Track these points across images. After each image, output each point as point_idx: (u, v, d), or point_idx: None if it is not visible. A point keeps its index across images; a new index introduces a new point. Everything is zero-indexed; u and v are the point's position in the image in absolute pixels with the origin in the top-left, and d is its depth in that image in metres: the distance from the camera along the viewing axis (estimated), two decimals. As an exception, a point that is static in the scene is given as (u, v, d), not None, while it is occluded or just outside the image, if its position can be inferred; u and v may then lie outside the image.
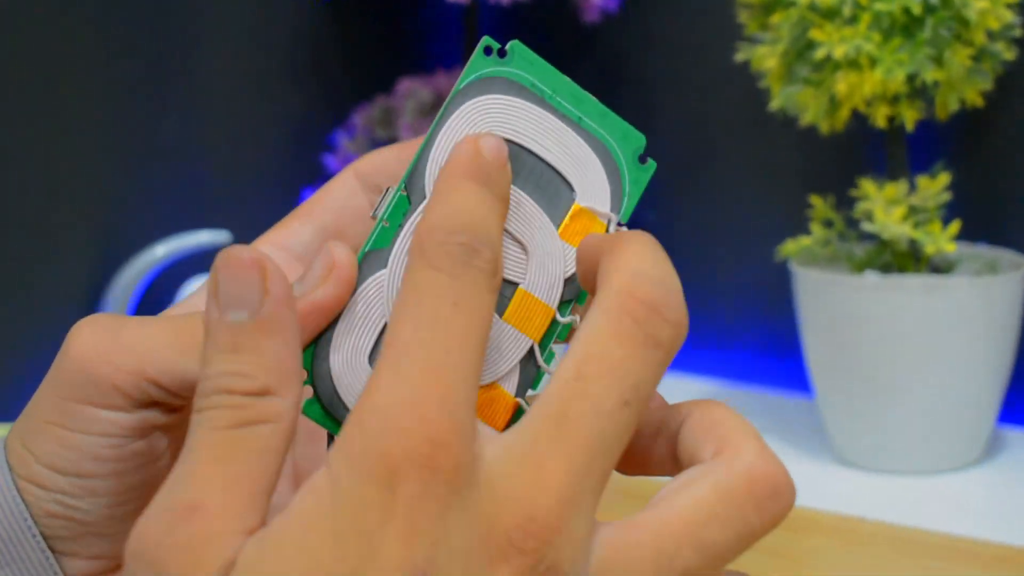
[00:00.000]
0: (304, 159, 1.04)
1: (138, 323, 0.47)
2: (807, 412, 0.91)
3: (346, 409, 0.42)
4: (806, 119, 0.82)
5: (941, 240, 0.78)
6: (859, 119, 0.83)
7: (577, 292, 0.46)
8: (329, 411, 0.43)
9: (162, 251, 0.90)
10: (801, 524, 0.74)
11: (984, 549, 0.70)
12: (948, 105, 0.80)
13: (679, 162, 1.03)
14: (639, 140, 0.49)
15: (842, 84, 0.78)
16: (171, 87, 0.95)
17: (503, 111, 0.48)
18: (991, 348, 0.81)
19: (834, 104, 0.81)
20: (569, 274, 0.46)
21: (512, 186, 0.46)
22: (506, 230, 0.46)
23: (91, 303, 0.90)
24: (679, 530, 0.34)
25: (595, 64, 1.06)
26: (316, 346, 0.43)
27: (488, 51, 0.47)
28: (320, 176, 1.03)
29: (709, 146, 1.02)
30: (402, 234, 0.44)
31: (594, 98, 0.48)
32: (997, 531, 0.72)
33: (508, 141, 0.47)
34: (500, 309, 0.45)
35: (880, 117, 0.80)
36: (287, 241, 0.51)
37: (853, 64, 0.78)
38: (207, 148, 0.98)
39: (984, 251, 0.85)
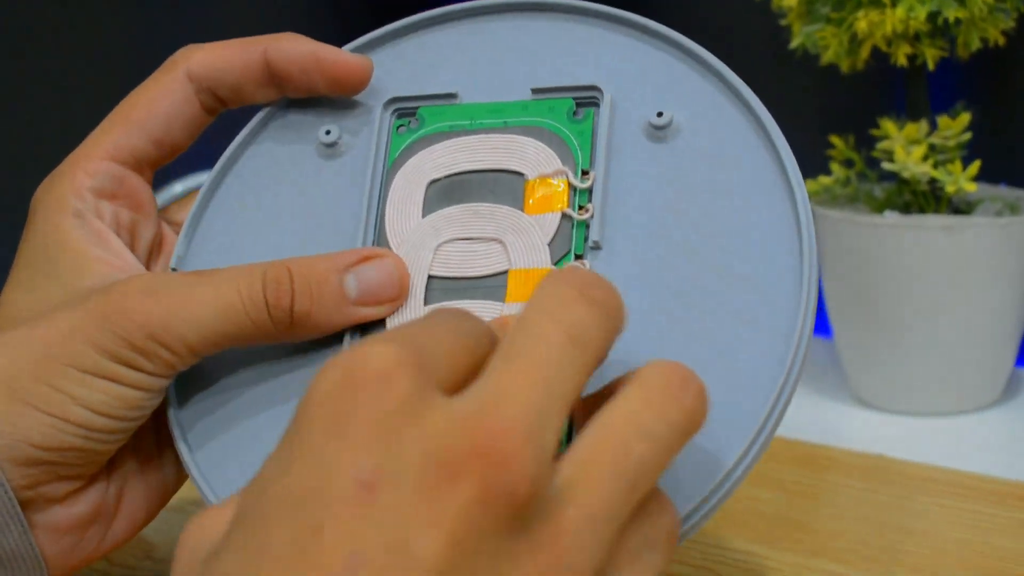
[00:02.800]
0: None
1: (185, 287, 0.50)
2: (825, 352, 0.91)
3: None
4: (827, 58, 0.81)
5: (962, 180, 0.78)
6: (880, 58, 0.82)
7: (568, 247, 0.51)
8: None
9: (180, 188, 0.89)
10: (820, 462, 0.75)
11: (1003, 487, 0.70)
12: (970, 44, 0.80)
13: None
14: (565, 104, 0.54)
15: (863, 22, 0.78)
16: (189, 27, 0.95)
17: (434, 158, 0.54)
18: (1011, 289, 0.80)
19: (855, 43, 0.80)
20: (550, 237, 0.51)
21: (469, 204, 0.53)
22: (482, 237, 0.52)
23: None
24: (622, 426, 0.37)
25: (614, 4, 1.05)
26: None
27: (401, 128, 0.54)
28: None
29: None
30: None
31: (516, 100, 0.54)
32: (1015, 470, 0.72)
33: (450, 176, 0.53)
34: (500, 296, 0.51)
35: (901, 56, 0.79)
36: (116, 152, 0.55)
37: (874, 2, 0.77)
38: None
39: (1005, 192, 0.84)
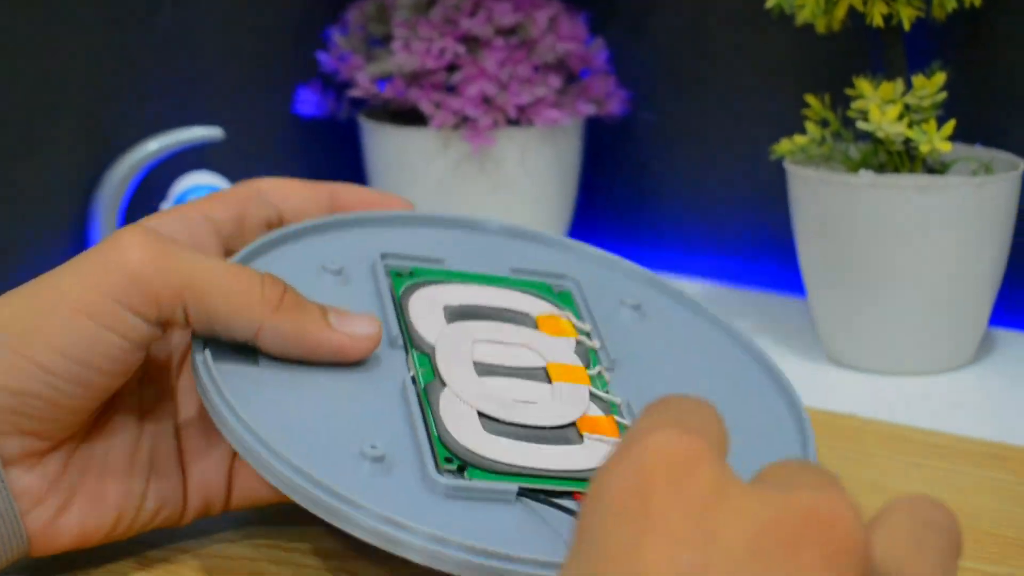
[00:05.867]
0: (298, 56, 1.03)
1: (189, 250, 0.53)
2: (799, 312, 0.92)
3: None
4: (802, 17, 0.81)
5: (936, 140, 0.78)
6: (856, 18, 0.82)
7: (586, 354, 0.59)
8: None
9: (155, 146, 0.89)
10: (793, 421, 0.75)
11: (976, 447, 0.70)
12: (946, 5, 0.80)
13: (675, 60, 1.03)
14: (542, 284, 0.62)
15: (840, -18, 0.77)
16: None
17: (444, 291, 0.60)
18: (985, 249, 0.81)
19: (831, 2, 0.80)
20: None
21: (491, 321, 0.59)
22: (512, 342, 0.59)
23: (83, 199, 0.89)
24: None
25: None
26: None
27: (399, 275, 0.60)
28: (314, 73, 1.02)
29: (705, 44, 1.01)
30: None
31: (498, 275, 0.62)
32: (989, 430, 0.73)
33: (463, 305, 0.60)
34: (545, 379, 0.57)
35: (877, 16, 0.79)
36: (213, 214, 0.59)
37: (851, -39, 0.77)
38: (200, 44, 0.97)
39: (980, 152, 0.84)
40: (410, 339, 0.57)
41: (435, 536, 0.47)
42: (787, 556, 0.32)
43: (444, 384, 0.55)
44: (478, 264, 0.62)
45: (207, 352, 0.53)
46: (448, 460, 0.51)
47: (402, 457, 0.51)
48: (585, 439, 0.55)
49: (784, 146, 0.84)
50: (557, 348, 0.59)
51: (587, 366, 0.58)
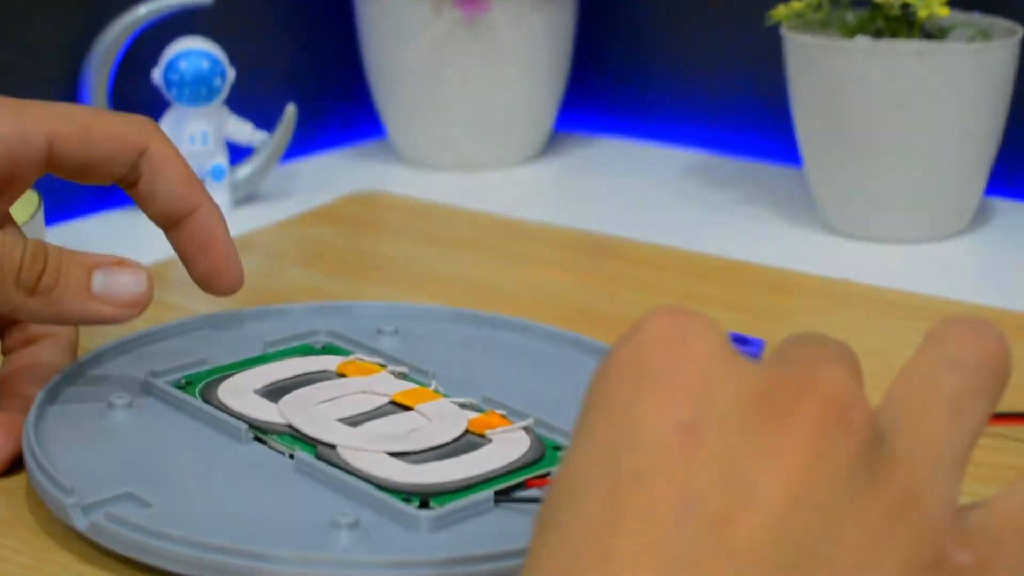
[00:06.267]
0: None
1: None
2: (795, 181, 0.91)
3: None
4: None
5: (934, 4, 0.77)
6: None
7: (405, 379, 0.60)
8: None
9: (144, 11, 0.88)
10: (787, 287, 0.75)
11: (972, 312, 0.70)
12: None
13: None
14: (306, 348, 0.63)
15: None
16: None
17: (241, 381, 0.60)
18: (982, 117, 0.80)
19: None
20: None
21: (308, 386, 0.59)
22: (351, 392, 0.59)
23: (73, 65, 0.88)
24: (924, 364, 0.35)
25: None
26: None
27: (179, 385, 0.59)
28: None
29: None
30: None
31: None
32: (985, 296, 0.73)
33: (270, 383, 0.59)
34: (405, 408, 0.58)
35: None
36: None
37: None
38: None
39: (978, 18, 0.84)
40: (255, 428, 0.56)
41: (491, 554, 0.46)
42: (778, 422, 0.32)
43: (332, 446, 0.54)
44: (238, 352, 0.62)
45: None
46: (407, 500, 0.50)
47: (363, 516, 0.49)
48: (489, 436, 0.55)
49: (781, 12, 0.83)
50: (383, 383, 0.59)
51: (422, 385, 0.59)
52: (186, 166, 0.58)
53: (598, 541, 0.32)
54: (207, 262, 0.58)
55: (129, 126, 0.57)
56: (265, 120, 0.92)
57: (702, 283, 0.76)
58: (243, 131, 0.90)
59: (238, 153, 0.92)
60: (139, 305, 0.54)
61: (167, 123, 0.88)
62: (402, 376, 0.60)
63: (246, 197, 0.91)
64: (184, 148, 0.87)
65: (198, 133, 0.88)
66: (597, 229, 0.86)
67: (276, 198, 0.92)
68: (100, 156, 0.56)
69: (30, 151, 0.55)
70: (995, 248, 0.82)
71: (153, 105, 0.88)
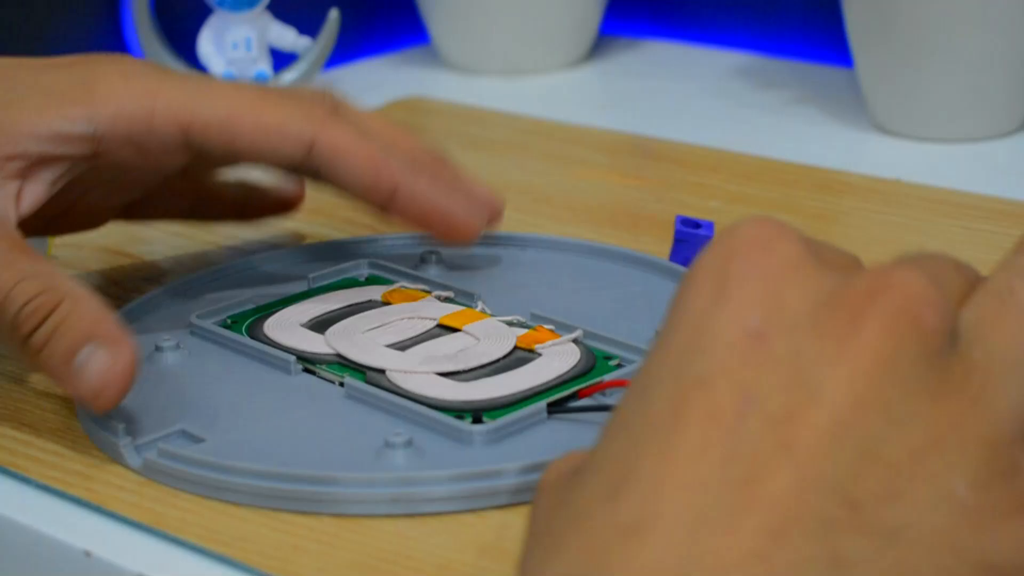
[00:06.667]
0: None
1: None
2: (845, 81, 0.90)
3: None
4: None
5: None
6: None
7: (453, 302, 0.59)
8: None
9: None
10: (837, 187, 0.74)
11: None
12: None
13: None
14: (352, 281, 0.62)
15: None
16: None
17: (288, 316, 0.59)
18: (1036, 13, 0.79)
19: None
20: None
21: (356, 315, 0.58)
22: (396, 319, 0.58)
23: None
24: (1000, 273, 0.35)
25: None
26: None
27: (225, 325, 0.58)
28: None
29: None
30: None
31: None
32: (1039, 194, 0.72)
33: (316, 316, 0.58)
34: (453, 330, 0.57)
35: None
36: None
37: None
38: None
39: (1034, -89, 0.82)
40: (303, 360, 0.55)
41: (547, 463, 0.45)
42: (847, 326, 0.32)
43: (381, 371, 0.53)
44: (282, 290, 0.61)
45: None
46: (459, 417, 0.50)
47: (416, 436, 0.49)
48: (539, 351, 0.54)
49: (831, -93, 0.81)
50: (432, 307, 0.59)
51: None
52: (367, 151, 0.54)
53: (660, 438, 0.32)
54: (436, 230, 0.57)
55: (291, 114, 0.53)
56: (308, 26, 0.91)
57: (751, 184, 0.75)
58: (286, 37, 0.89)
59: (281, 60, 0.91)
60: (101, 397, 0.48)
61: (210, 29, 0.88)
62: (447, 300, 0.60)
63: (290, 104, 0.91)
64: (227, 55, 0.87)
65: (241, 39, 0.88)
66: (645, 132, 0.85)
67: (320, 105, 0.92)
68: (249, 149, 0.53)
69: (159, 139, 0.52)
70: (1050, 146, 0.80)
71: (196, 11, 0.88)
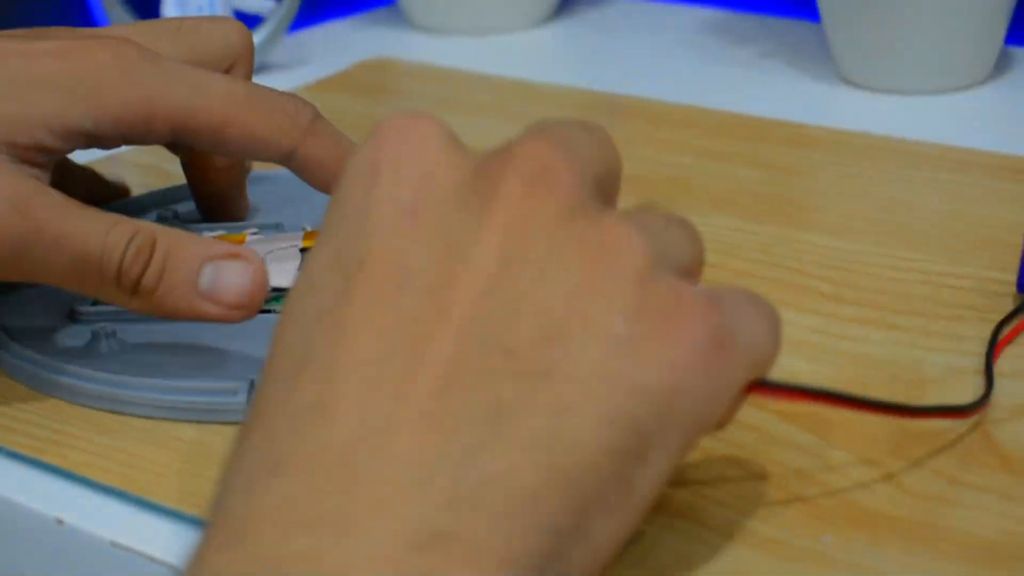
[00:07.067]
0: None
1: (60, 209, 0.50)
2: (811, 35, 0.90)
3: None
4: None
5: None
6: None
7: None
8: None
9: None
10: (806, 141, 0.74)
11: (990, 159, 0.70)
12: None
13: None
14: None
15: None
16: None
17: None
18: (1002, -37, 0.79)
19: None
20: None
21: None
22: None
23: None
24: None
25: None
26: None
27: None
28: None
29: None
30: None
31: None
32: (1006, 144, 0.72)
33: None
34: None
35: None
36: None
37: None
38: None
39: None
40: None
41: None
42: (486, 193, 0.36)
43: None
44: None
45: None
46: None
47: None
48: None
49: None
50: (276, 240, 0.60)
51: None
52: (340, 164, 0.54)
53: (330, 321, 0.34)
54: None
55: (279, 126, 0.54)
56: (273, -12, 0.90)
57: (721, 140, 0.74)
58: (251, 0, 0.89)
59: (247, 22, 0.90)
60: (247, 308, 0.49)
61: (174, -7, 0.87)
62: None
63: (256, 67, 0.90)
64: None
65: (206, 3, 0.87)
66: (614, 90, 0.84)
67: (286, 67, 0.91)
68: (235, 152, 0.55)
69: (153, 138, 0.53)
70: (1016, 98, 0.81)
71: (159, -25, 0.87)
